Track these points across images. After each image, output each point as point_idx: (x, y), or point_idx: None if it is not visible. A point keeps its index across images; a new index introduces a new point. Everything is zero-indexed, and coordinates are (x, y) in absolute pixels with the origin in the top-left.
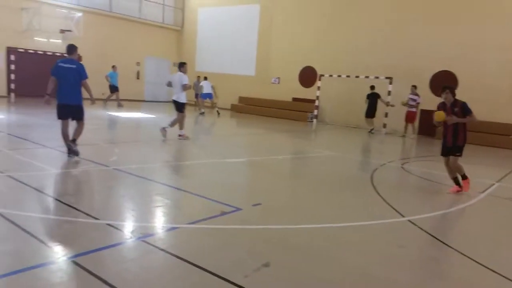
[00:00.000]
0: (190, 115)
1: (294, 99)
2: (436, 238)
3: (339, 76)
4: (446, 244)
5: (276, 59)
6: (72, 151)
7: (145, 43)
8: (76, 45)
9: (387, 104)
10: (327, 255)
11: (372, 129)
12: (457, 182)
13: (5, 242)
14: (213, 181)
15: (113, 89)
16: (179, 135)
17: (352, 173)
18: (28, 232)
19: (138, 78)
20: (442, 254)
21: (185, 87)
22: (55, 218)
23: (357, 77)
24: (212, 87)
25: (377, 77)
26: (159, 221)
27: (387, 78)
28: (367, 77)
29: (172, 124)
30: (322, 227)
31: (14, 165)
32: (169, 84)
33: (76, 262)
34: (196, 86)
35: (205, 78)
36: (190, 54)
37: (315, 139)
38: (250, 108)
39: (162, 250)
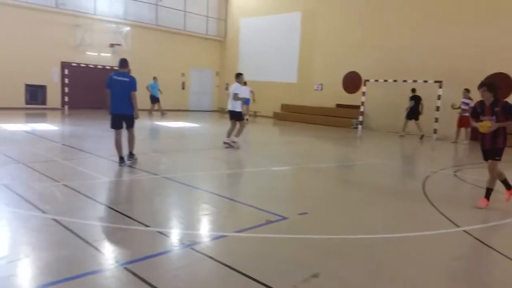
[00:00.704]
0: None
1: (338, 106)
2: (494, 249)
3: (385, 80)
4: (505, 256)
5: (319, 66)
6: (123, 162)
7: (190, 54)
8: (125, 57)
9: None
10: (378, 266)
11: (423, 135)
12: (488, 194)
13: (62, 248)
14: (259, 189)
15: (154, 99)
16: (232, 141)
17: (402, 181)
18: (83, 239)
19: (183, 88)
20: (499, 266)
21: (235, 97)
22: (108, 225)
23: (404, 81)
24: (251, 92)
25: (425, 81)
26: (207, 229)
27: (436, 82)
28: (415, 81)
29: (238, 134)
30: (372, 237)
31: (69, 174)
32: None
33: (128, 268)
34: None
35: (245, 84)
36: (232, 63)
37: (361, 146)
38: (292, 115)
39: (210, 258)
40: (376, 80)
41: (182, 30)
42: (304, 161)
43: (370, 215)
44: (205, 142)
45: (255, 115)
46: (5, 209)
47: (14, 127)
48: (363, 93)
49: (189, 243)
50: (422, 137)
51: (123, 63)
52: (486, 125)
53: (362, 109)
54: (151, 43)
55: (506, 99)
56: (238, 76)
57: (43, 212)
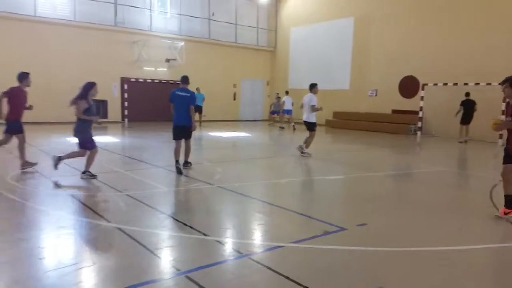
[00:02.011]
0: (273, 131)
1: (394, 111)
2: None
3: (445, 84)
4: None
5: (373, 71)
6: (179, 165)
7: (241, 66)
8: (179, 71)
9: None
10: (444, 282)
11: (466, 140)
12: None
13: (127, 256)
14: (314, 199)
15: (197, 109)
16: (303, 152)
17: (467, 190)
18: (145, 247)
19: (234, 99)
20: None
21: (313, 109)
22: (169, 234)
23: (465, 84)
24: (293, 104)
25: (489, 84)
26: (264, 239)
27: (500, 84)
28: (477, 84)
29: (307, 145)
30: (437, 250)
31: (130, 184)
32: (302, 106)
33: (189, 277)
34: (275, 105)
35: (287, 93)
36: (283, 73)
37: (421, 153)
38: (345, 122)
39: (268, 268)
40: (435, 84)
41: (233, 43)
42: (361, 170)
43: (433, 226)
44: (258, 152)
45: (289, 121)
46: (72, 217)
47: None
48: (421, 98)
49: (247, 253)
50: (465, 142)
51: (184, 79)
52: (494, 121)
53: (420, 114)
54: (203, 57)
55: None
56: (314, 86)
57: (108, 221)
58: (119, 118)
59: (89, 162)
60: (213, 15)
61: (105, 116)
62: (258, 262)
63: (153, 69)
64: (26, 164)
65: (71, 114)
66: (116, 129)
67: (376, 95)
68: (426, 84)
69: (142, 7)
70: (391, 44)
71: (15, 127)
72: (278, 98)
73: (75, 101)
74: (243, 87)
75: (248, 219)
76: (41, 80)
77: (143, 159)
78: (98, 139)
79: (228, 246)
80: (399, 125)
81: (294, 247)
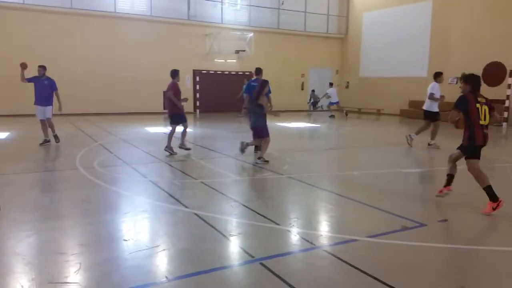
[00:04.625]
0: (342, 121)
1: None
2: None
3: None
4: None
5: (453, 57)
6: (259, 149)
7: (310, 54)
8: (248, 62)
9: None
10: None
11: None
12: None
13: (204, 240)
14: (390, 192)
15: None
16: (429, 144)
17: None
18: (221, 233)
19: (302, 89)
20: None
21: (431, 97)
22: (242, 221)
23: None
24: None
25: None
26: (337, 232)
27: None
28: None
29: (433, 137)
30: None
31: (204, 172)
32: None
33: (264, 264)
34: (314, 96)
35: (331, 85)
36: (354, 60)
37: (507, 145)
38: (422, 112)
39: (344, 261)
40: None
41: (302, 31)
42: (440, 163)
43: None
44: (327, 142)
45: (341, 110)
46: (154, 203)
47: (155, 130)
48: (509, 86)
49: (321, 245)
50: None
51: (258, 71)
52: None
53: (507, 103)
54: (272, 47)
55: None
56: (438, 75)
57: (186, 206)
58: (191, 109)
59: (263, 149)
60: (282, 3)
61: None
62: (332, 254)
63: (223, 61)
64: (181, 147)
65: (147, 105)
66: (188, 119)
67: (456, 83)
68: None
69: (214, 0)
70: (473, 27)
71: (180, 118)
72: (313, 91)
73: (257, 96)
74: (311, 76)
75: (319, 211)
76: (121, 74)
77: (214, 149)
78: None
79: (300, 236)
80: None
81: (370, 242)
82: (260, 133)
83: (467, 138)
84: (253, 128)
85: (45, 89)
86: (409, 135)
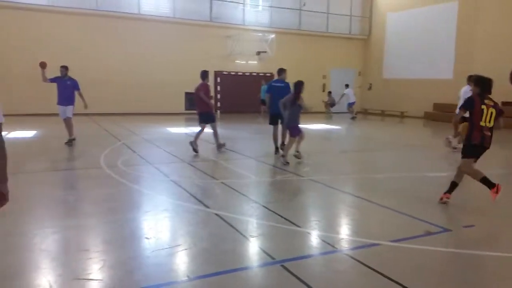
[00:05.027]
0: (365, 123)
1: (504, 103)
2: None
3: None
4: None
5: (480, 59)
6: (278, 151)
7: (331, 56)
8: (269, 63)
9: None
10: None
11: None
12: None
13: (225, 241)
14: (414, 196)
15: (263, 102)
16: (454, 148)
17: None
18: (241, 234)
19: (323, 90)
20: None
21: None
22: (262, 222)
23: None
24: (354, 94)
25: None
26: (359, 236)
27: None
28: None
29: (456, 135)
30: None
31: (224, 173)
32: (459, 98)
33: (285, 266)
34: (330, 99)
35: (347, 86)
36: (376, 62)
37: None
38: (447, 115)
39: (366, 266)
40: None
41: (324, 32)
42: None
43: None
44: (349, 144)
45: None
46: (175, 202)
47: (177, 130)
48: None
49: (342, 248)
50: None
51: (281, 71)
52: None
53: None
54: (293, 48)
55: None
56: (471, 78)
57: (207, 206)
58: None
59: (298, 145)
60: (304, 5)
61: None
62: (354, 258)
63: (244, 62)
64: (220, 146)
65: (169, 106)
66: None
67: None
68: None
69: (236, 1)
70: (500, 28)
71: (210, 117)
72: (330, 93)
73: (298, 97)
74: (332, 77)
75: (340, 214)
76: (144, 75)
77: (235, 149)
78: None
79: (322, 239)
80: (509, 119)
81: (393, 246)
82: (298, 131)
83: (466, 137)
84: (290, 127)
85: (67, 89)
86: (447, 138)
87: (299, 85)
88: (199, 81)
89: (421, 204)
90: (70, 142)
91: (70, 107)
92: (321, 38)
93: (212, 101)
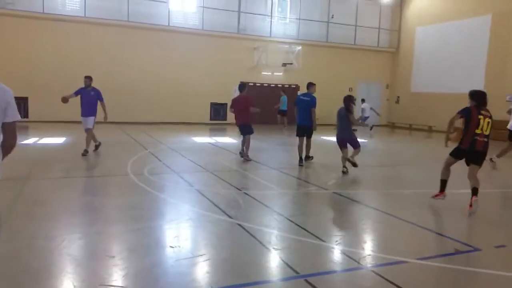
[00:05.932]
0: (392, 137)
1: None
2: None
3: None
4: None
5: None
6: (302, 162)
7: (358, 68)
8: (294, 75)
9: None
10: None
11: None
12: None
13: (248, 252)
14: (443, 213)
15: (282, 112)
16: (491, 159)
17: None
18: (265, 246)
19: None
20: None
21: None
22: (286, 235)
23: None
24: (371, 109)
25: None
26: (385, 252)
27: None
28: None
29: (500, 154)
30: None
31: (248, 183)
32: (509, 111)
33: (309, 281)
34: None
35: (363, 101)
36: (405, 75)
37: None
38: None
39: (392, 283)
40: None
41: (351, 45)
42: (500, 185)
43: None
44: (376, 159)
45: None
46: (199, 211)
47: (201, 140)
48: None
49: (368, 265)
50: None
51: (309, 85)
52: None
53: None
54: (320, 60)
55: None
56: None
57: (230, 217)
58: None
59: (354, 154)
60: (332, 17)
61: (225, 118)
62: (379, 275)
63: (269, 73)
64: (246, 157)
65: (196, 116)
66: (233, 130)
67: None
68: None
69: (264, 14)
70: None
71: (249, 129)
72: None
73: (351, 111)
74: (359, 90)
75: (366, 229)
76: (172, 85)
77: (258, 160)
78: (218, 139)
79: (346, 255)
80: None
81: (420, 264)
82: (355, 144)
83: (459, 141)
84: (347, 140)
85: (91, 99)
86: (491, 159)
87: (346, 100)
88: (225, 91)
89: (450, 221)
90: (85, 152)
91: (92, 118)
92: (348, 50)
93: (258, 109)
